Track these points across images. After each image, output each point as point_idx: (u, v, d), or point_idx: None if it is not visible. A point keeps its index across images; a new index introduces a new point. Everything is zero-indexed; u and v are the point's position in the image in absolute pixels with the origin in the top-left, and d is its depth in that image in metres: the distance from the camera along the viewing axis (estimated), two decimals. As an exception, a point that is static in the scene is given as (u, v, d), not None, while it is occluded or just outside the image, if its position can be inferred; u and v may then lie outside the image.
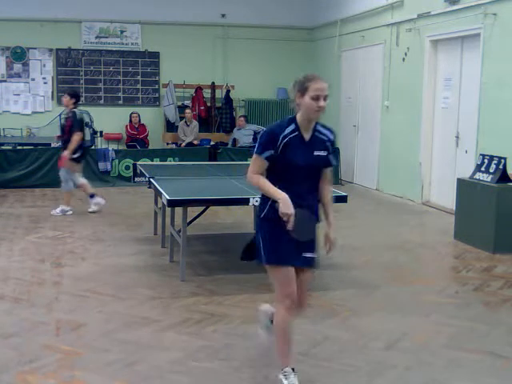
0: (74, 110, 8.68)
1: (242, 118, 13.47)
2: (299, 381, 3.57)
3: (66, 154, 8.64)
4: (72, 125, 8.62)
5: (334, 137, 3.62)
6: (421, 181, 10.08)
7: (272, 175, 3.50)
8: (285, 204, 3.35)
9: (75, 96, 8.83)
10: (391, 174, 11.06)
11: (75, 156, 8.68)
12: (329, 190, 3.71)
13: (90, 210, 8.98)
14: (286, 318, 3.54)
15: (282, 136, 3.43)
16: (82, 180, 9.00)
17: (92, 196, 9.00)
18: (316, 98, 3.37)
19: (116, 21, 13.77)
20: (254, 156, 3.50)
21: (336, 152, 3.70)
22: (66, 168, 8.77)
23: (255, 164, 3.50)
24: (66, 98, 8.79)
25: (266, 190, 3.47)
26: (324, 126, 3.61)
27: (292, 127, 3.47)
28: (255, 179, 3.50)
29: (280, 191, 3.40)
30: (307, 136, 3.51)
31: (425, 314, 5.04)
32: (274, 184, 3.45)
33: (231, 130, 13.79)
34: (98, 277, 5.89)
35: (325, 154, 3.55)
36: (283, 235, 3.43)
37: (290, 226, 3.37)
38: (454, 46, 9.41)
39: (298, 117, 3.50)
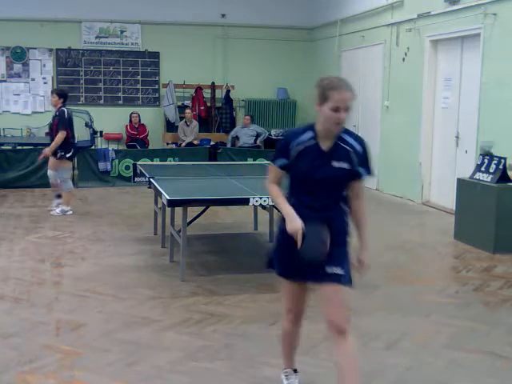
0: (63, 108, 8.67)
1: (248, 117, 13.49)
2: (299, 381, 3.58)
3: (46, 150, 8.66)
4: (58, 123, 8.63)
5: (362, 147, 3.18)
6: (421, 181, 10.08)
7: (291, 184, 3.27)
8: (290, 221, 3.09)
9: (63, 95, 8.78)
10: (391, 174, 11.05)
11: (68, 155, 8.69)
12: (360, 207, 3.27)
13: (51, 209, 8.89)
14: (289, 329, 3.50)
15: (295, 144, 3.14)
16: (59, 180, 8.90)
17: (59, 196, 8.95)
18: (336, 110, 3.01)
19: (116, 21, 13.76)
20: (270, 164, 3.32)
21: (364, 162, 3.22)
22: (58, 168, 8.74)
23: (271, 173, 3.28)
24: (54, 98, 8.75)
25: (276, 202, 3.28)
26: (351, 135, 3.21)
27: (309, 135, 3.15)
28: (269, 188, 3.29)
29: (287, 206, 3.15)
30: (326, 145, 3.15)
31: (425, 314, 5.04)
32: (293, 194, 3.24)
33: (231, 130, 13.78)
34: (98, 277, 5.89)
35: (348, 165, 3.14)
36: (292, 249, 3.13)
37: (298, 245, 3.07)
38: (453, 45, 9.41)
39: (318, 124, 3.15)
